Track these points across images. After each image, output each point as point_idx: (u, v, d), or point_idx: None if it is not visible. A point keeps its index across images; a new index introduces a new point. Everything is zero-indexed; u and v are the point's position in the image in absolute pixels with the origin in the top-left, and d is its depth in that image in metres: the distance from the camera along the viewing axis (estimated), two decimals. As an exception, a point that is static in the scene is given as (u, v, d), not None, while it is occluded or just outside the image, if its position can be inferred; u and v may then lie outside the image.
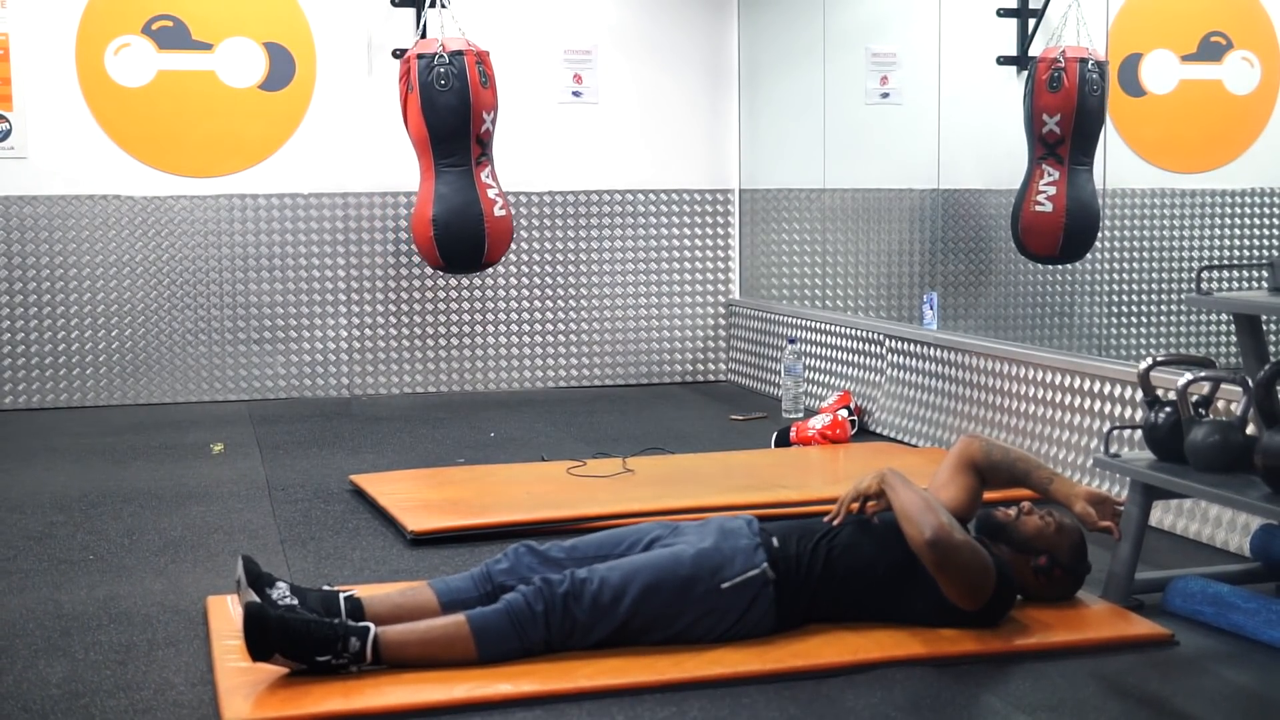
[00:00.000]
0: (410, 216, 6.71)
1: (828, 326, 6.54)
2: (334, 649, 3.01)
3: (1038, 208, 5.76)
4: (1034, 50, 6.06)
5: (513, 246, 7.29)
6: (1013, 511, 3.44)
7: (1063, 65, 5.66)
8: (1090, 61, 5.67)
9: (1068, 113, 5.66)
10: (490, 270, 7.25)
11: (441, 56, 6.24)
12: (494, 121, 6.42)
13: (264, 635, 2.97)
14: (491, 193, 6.40)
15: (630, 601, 3.16)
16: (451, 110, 6.25)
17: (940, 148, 6.02)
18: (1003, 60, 6.13)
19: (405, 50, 6.51)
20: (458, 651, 3.08)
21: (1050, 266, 6.13)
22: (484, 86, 6.32)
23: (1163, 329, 5.98)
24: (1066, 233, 5.65)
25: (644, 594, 3.17)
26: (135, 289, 6.88)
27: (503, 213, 6.43)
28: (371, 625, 3.07)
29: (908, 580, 3.28)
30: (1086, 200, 5.68)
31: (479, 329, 7.32)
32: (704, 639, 3.22)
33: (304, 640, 2.99)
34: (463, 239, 6.34)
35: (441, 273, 7.02)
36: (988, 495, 3.61)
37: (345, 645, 3.02)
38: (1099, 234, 5.74)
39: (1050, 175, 5.73)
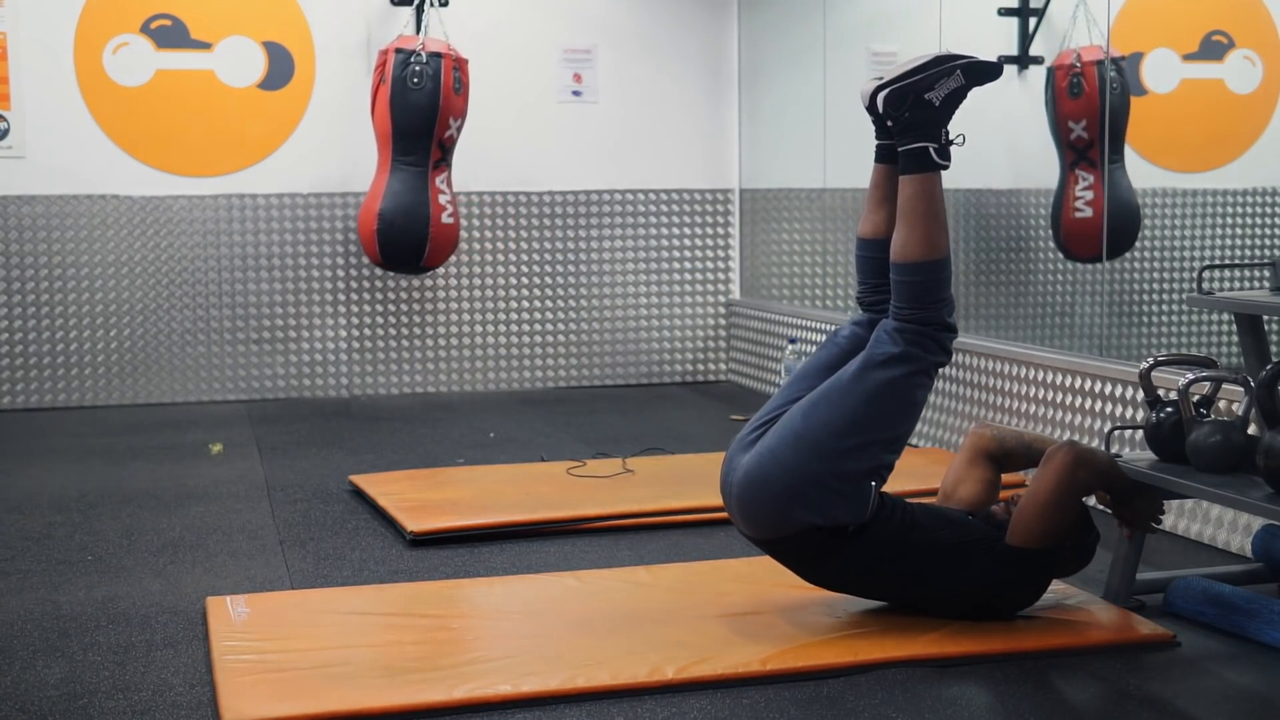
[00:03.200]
0: (359, 208, 6.72)
1: (828, 326, 6.53)
2: (947, 143, 3.32)
3: (1078, 214, 5.75)
4: (1035, 50, 6.04)
5: (513, 246, 7.29)
6: (1004, 508, 3.43)
7: (1080, 69, 5.66)
8: (1106, 61, 5.66)
9: (1093, 116, 5.66)
10: (491, 270, 7.25)
11: (419, 55, 6.26)
12: (459, 129, 6.46)
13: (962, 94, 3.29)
14: (443, 199, 6.42)
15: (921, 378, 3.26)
16: (419, 110, 6.28)
17: (940, 148, 6.01)
18: (1004, 59, 6.12)
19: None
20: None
21: (1048, 266, 6.13)
22: (456, 93, 6.34)
23: (1164, 329, 5.97)
24: (1110, 233, 5.64)
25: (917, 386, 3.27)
26: (134, 289, 6.87)
27: (450, 220, 6.45)
28: None
29: (934, 561, 3.29)
30: (1124, 198, 5.68)
31: (479, 329, 7.31)
32: (807, 488, 3.21)
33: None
34: (405, 238, 6.36)
35: (381, 269, 6.95)
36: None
37: (948, 150, 3.31)
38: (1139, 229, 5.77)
39: (1085, 180, 5.73)
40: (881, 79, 3.32)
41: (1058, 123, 5.83)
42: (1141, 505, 3.43)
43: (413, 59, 6.26)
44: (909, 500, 3.46)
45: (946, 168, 3.29)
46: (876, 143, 3.47)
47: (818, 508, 3.21)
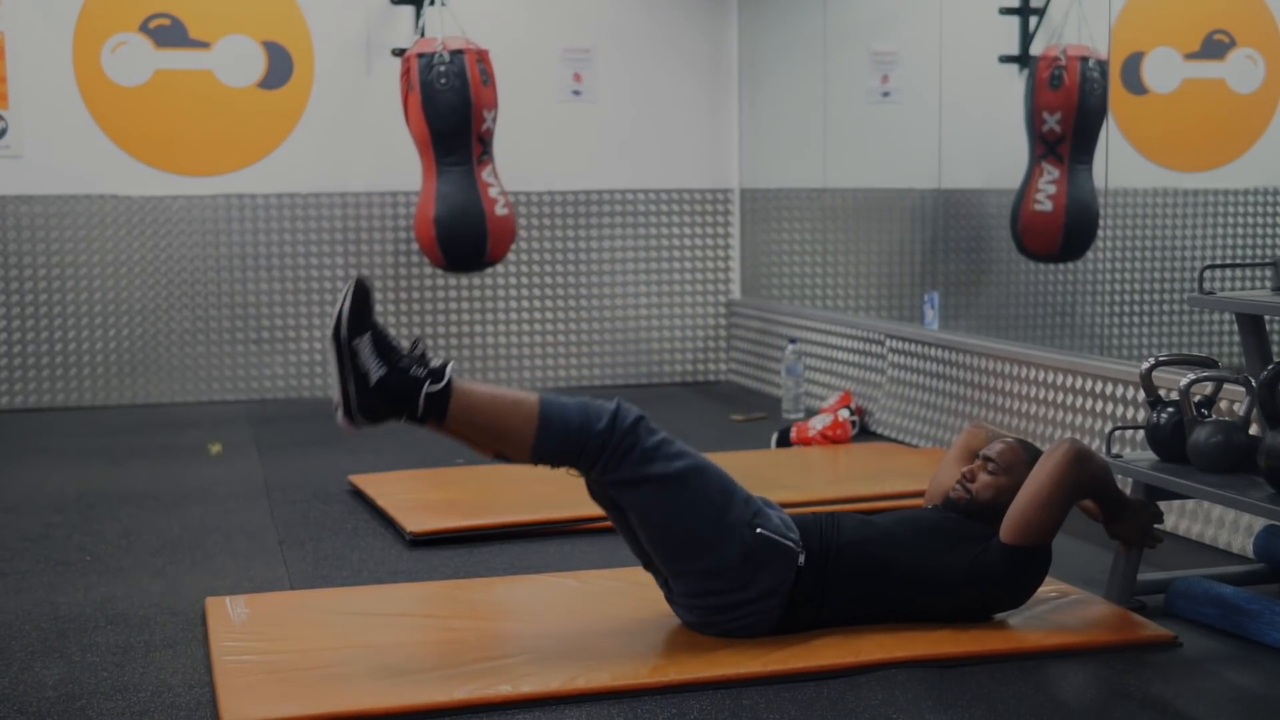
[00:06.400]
0: (413, 216, 6.70)
1: (828, 326, 6.53)
2: (414, 357, 3.02)
3: (1037, 206, 5.75)
4: (1036, 49, 6.04)
5: (513, 246, 7.28)
6: (960, 488, 3.41)
7: (1064, 63, 5.66)
8: (1091, 60, 5.66)
9: (1068, 111, 5.66)
10: (490, 270, 7.24)
11: (442, 55, 6.24)
12: (494, 120, 6.41)
13: (368, 307, 2.99)
14: (493, 191, 6.40)
15: (684, 467, 3.13)
16: (452, 109, 6.26)
17: (941, 147, 6.01)
18: (1004, 59, 6.11)
19: (405, 49, 6.50)
20: (521, 417, 3.05)
21: (1051, 265, 6.12)
22: (484, 85, 6.31)
23: (1165, 329, 5.96)
24: (1066, 232, 5.64)
25: (698, 471, 3.15)
26: (133, 289, 6.87)
27: (504, 211, 6.43)
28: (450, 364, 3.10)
29: (925, 576, 3.27)
30: (1086, 199, 5.68)
31: (479, 329, 7.30)
32: (714, 592, 3.16)
33: (392, 343, 3.02)
34: (464, 238, 6.35)
35: (445, 272, 6.99)
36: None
37: (425, 359, 3.03)
38: (1098, 233, 5.74)
39: (1050, 174, 5.73)
40: (338, 406, 3.03)
41: (1033, 113, 5.83)
42: (1131, 519, 3.42)
43: (436, 60, 6.24)
44: (883, 511, 3.46)
45: (449, 383, 3.03)
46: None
47: (765, 587, 3.17)
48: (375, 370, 2.99)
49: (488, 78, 6.35)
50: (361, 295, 3.00)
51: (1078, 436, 4.70)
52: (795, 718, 2.86)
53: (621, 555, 4.06)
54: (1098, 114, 5.63)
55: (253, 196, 6.99)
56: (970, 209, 6.31)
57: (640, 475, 3.11)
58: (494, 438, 3.09)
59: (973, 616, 3.31)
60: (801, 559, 3.20)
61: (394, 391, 3.01)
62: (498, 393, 3.11)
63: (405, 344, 3.08)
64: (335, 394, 3.03)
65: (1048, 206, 5.71)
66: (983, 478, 3.39)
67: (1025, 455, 3.40)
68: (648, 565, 3.32)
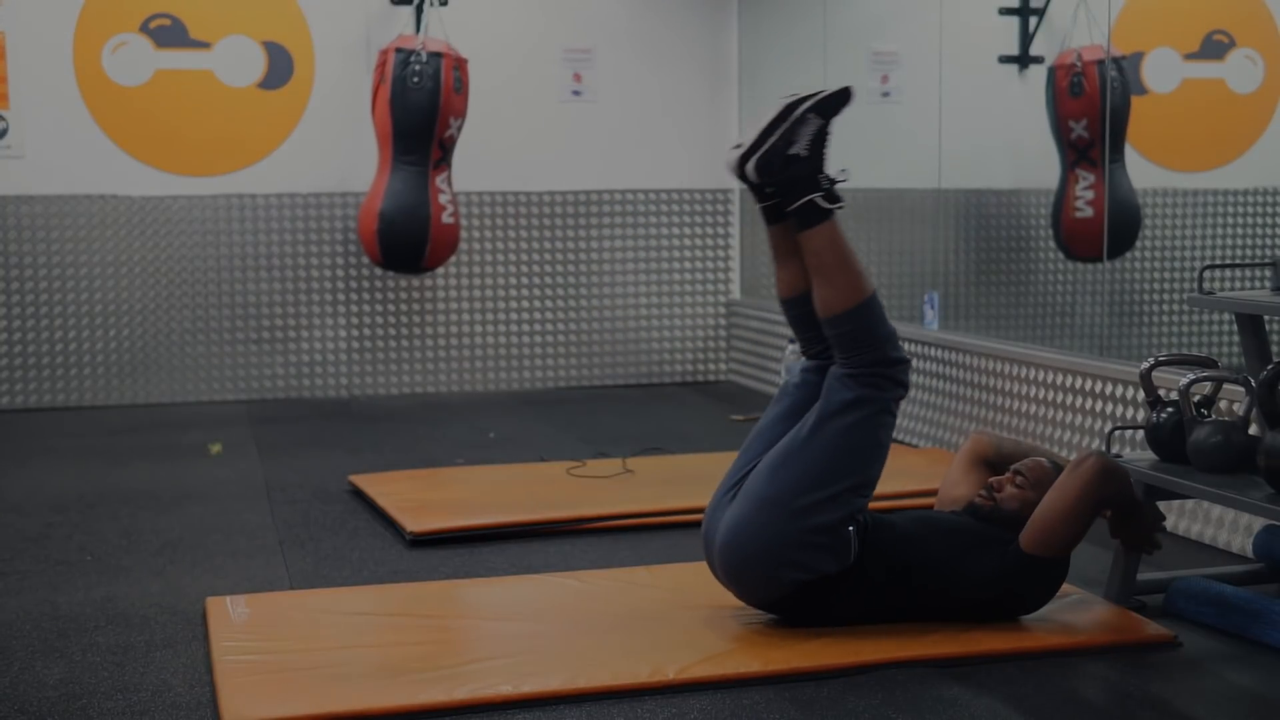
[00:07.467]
0: (360, 208, 6.71)
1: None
2: (829, 174, 3.23)
3: (1078, 214, 5.75)
4: (1036, 49, 6.04)
5: (513, 246, 7.29)
6: (986, 495, 3.42)
7: (1081, 69, 5.66)
8: (1107, 61, 5.67)
9: (1093, 116, 5.66)
10: (491, 270, 7.25)
11: (419, 55, 6.26)
12: (459, 129, 6.45)
13: (839, 108, 3.23)
14: (443, 198, 6.41)
15: (878, 434, 3.26)
16: (419, 109, 6.29)
17: (941, 147, 6.01)
18: (1004, 59, 6.11)
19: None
20: (855, 282, 3.24)
21: (1050, 266, 6.13)
22: (456, 92, 6.34)
23: (1165, 329, 5.96)
24: (1111, 234, 5.64)
25: (877, 447, 3.26)
26: (133, 289, 6.87)
27: (450, 220, 6.44)
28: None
29: (942, 574, 3.28)
30: (1125, 198, 5.68)
31: (479, 329, 7.30)
32: (786, 531, 3.20)
33: (826, 144, 3.22)
34: (406, 238, 6.37)
35: (381, 269, 6.94)
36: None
37: (834, 182, 3.23)
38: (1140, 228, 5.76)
39: (1086, 179, 5.72)
40: (741, 146, 3.25)
41: (1058, 122, 5.83)
42: (1137, 524, 3.42)
43: (412, 59, 6.26)
44: (899, 510, 3.47)
45: (841, 207, 3.25)
46: (759, 206, 3.38)
47: (802, 565, 3.21)
48: (801, 148, 3.18)
49: (461, 86, 6.36)
50: (844, 97, 3.20)
51: (1077, 438, 4.70)
52: (795, 718, 2.86)
53: (621, 555, 4.07)
54: (1121, 112, 5.63)
55: (253, 196, 6.99)
56: (970, 209, 6.30)
57: (854, 399, 3.22)
58: (822, 276, 3.24)
59: (985, 617, 3.31)
60: (855, 551, 3.24)
61: (795, 174, 3.19)
62: (851, 250, 3.25)
63: (835, 167, 3.25)
64: (747, 138, 3.20)
65: (1088, 212, 5.71)
66: (1010, 490, 3.39)
67: (1055, 475, 3.40)
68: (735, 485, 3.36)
